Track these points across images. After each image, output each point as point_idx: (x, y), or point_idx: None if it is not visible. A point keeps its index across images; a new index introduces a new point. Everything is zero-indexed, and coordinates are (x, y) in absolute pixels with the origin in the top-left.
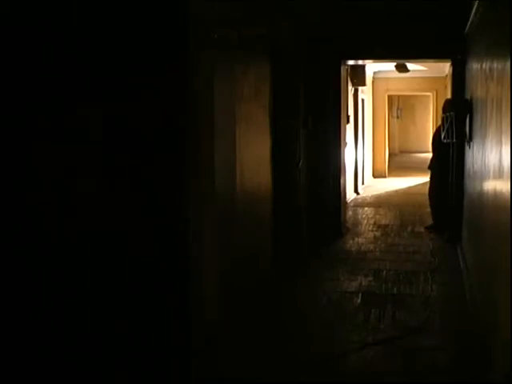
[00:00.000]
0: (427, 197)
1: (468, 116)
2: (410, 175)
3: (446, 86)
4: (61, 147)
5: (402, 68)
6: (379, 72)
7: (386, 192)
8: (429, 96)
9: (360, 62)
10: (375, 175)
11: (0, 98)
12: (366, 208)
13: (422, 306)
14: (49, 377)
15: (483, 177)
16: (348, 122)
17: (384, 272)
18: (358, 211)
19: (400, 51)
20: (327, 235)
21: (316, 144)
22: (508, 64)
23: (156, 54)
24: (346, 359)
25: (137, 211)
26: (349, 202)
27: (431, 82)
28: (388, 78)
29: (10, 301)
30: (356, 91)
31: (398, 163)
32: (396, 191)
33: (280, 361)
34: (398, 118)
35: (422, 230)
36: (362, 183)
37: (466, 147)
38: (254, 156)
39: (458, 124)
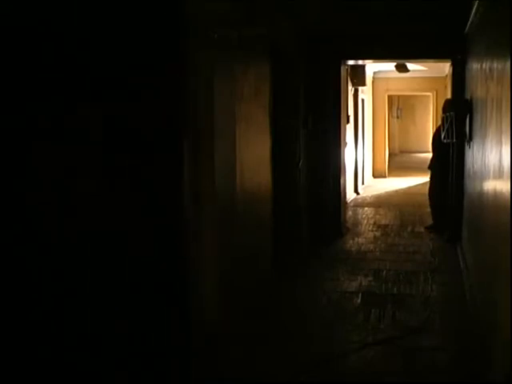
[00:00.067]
0: (427, 197)
1: (468, 116)
2: (410, 175)
3: (446, 86)
4: (61, 147)
5: (401, 68)
6: (379, 72)
7: (386, 192)
8: (429, 96)
9: (360, 62)
10: (375, 175)
11: (0, 98)
12: (365, 208)
13: (422, 306)
14: (49, 377)
15: (483, 177)
16: (348, 122)
17: (384, 272)
18: (357, 211)
19: (400, 51)
20: (327, 235)
21: (316, 144)
22: (508, 64)
23: (155, 55)
24: (345, 359)
25: (137, 211)
26: (349, 202)
27: (431, 82)
28: (388, 78)
29: (10, 301)
30: (356, 91)
31: (398, 163)
32: (396, 191)
33: (280, 361)
34: (397, 118)
35: (422, 230)
36: (362, 183)
37: (466, 147)
38: (253, 156)
39: (458, 124)
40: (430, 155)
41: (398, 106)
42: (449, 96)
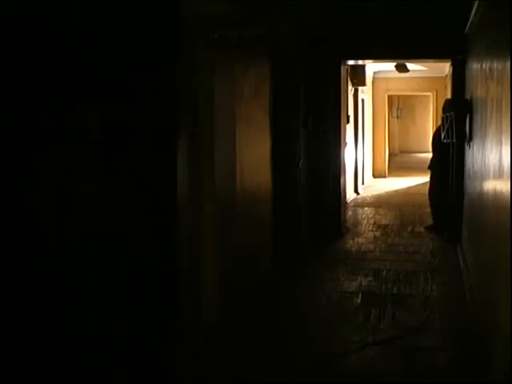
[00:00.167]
0: (427, 197)
1: (468, 116)
2: (410, 175)
3: (446, 86)
4: (61, 147)
5: (402, 68)
6: (379, 72)
7: (386, 192)
8: (429, 96)
9: (360, 62)
10: (375, 175)
11: (0, 97)
12: (365, 208)
13: (422, 305)
14: (49, 377)
15: (483, 177)
16: (348, 122)
17: (384, 272)
18: (357, 211)
19: (400, 51)
20: (327, 235)
21: (316, 144)
22: (508, 64)
23: (155, 55)
24: (345, 359)
25: (137, 211)
26: (349, 202)
27: (431, 82)
28: (388, 78)
29: (10, 301)
30: (356, 91)
31: (398, 163)
32: (396, 191)
33: (280, 361)
34: (397, 118)
35: (422, 230)
36: (362, 183)
37: (466, 147)
38: (254, 156)
39: (458, 124)
40: (429, 155)
41: (398, 106)
42: (449, 96)
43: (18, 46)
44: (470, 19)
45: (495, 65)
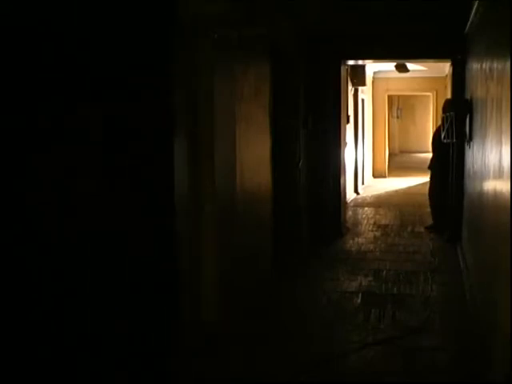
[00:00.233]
0: (427, 197)
1: (468, 116)
2: (410, 175)
3: (446, 86)
4: (61, 147)
5: (401, 68)
6: (379, 72)
7: (386, 192)
8: (429, 96)
9: (360, 62)
10: (375, 175)
11: (0, 97)
12: (365, 208)
13: (422, 305)
14: (49, 377)
15: (483, 177)
16: (348, 122)
17: (384, 272)
18: (357, 211)
19: (400, 51)
20: (327, 235)
21: (316, 144)
22: (508, 64)
23: (155, 55)
24: (345, 359)
25: (137, 211)
26: (349, 202)
27: (431, 82)
28: (388, 78)
29: (10, 301)
30: (356, 91)
31: (398, 163)
32: (396, 191)
33: (280, 361)
34: (397, 118)
35: (422, 230)
36: (362, 183)
37: (466, 147)
38: (254, 156)
39: (458, 124)
40: (429, 155)
41: (398, 106)
42: (449, 96)
43: (18, 46)
44: (470, 19)
45: (495, 65)
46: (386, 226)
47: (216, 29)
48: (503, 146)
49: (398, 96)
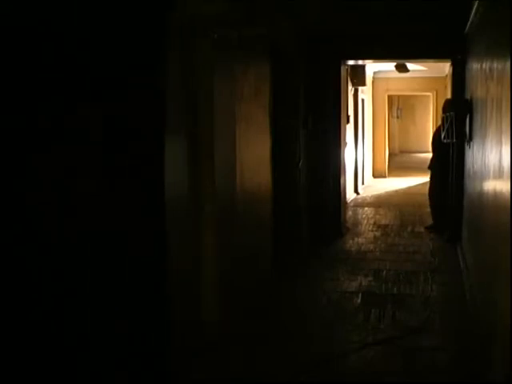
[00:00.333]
0: (427, 197)
1: (468, 116)
2: (410, 175)
3: (446, 86)
4: (61, 147)
5: (401, 68)
6: (379, 72)
7: (386, 192)
8: (429, 96)
9: (360, 62)
10: (375, 175)
11: (0, 97)
12: (365, 208)
13: (422, 305)
14: (49, 377)
15: (483, 177)
16: (348, 122)
17: (384, 272)
18: (357, 211)
19: (400, 51)
20: (327, 235)
21: (316, 144)
22: (508, 64)
23: (155, 55)
24: (345, 359)
25: (137, 211)
26: (349, 202)
27: (431, 81)
28: (388, 78)
29: (10, 301)
30: (356, 91)
31: (398, 163)
32: (396, 191)
33: (280, 361)
34: (397, 118)
35: (422, 230)
36: (362, 183)
37: (466, 147)
38: (254, 156)
39: (458, 124)
40: (429, 155)
41: (398, 106)
42: (449, 96)
43: (18, 46)
44: (470, 19)
45: (495, 65)
46: (386, 225)
47: (216, 29)
48: (503, 146)
49: (398, 96)
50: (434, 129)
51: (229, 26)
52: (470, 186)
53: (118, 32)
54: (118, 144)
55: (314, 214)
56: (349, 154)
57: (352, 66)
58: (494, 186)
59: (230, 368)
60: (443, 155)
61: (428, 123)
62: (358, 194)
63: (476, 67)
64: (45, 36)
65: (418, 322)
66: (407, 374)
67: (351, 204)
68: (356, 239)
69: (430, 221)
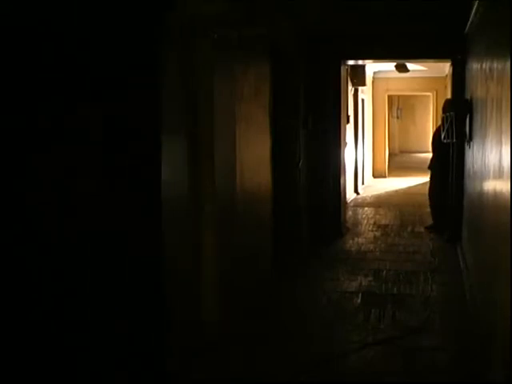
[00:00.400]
0: (427, 197)
1: (468, 116)
2: (410, 175)
3: (446, 86)
4: (61, 147)
5: (401, 68)
6: (379, 72)
7: (386, 192)
8: (429, 96)
9: (360, 62)
10: (375, 175)
11: (0, 97)
12: (365, 208)
13: (422, 305)
14: (49, 377)
15: (483, 177)
16: (348, 122)
17: (384, 272)
18: (357, 211)
19: (400, 51)
20: (327, 235)
21: (316, 144)
22: (508, 64)
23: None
24: (345, 359)
25: (136, 211)
26: (349, 202)
27: (431, 81)
28: (388, 78)
29: (10, 301)
30: (356, 91)
31: (398, 163)
32: (396, 191)
33: (280, 361)
34: (397, 118)
35: (422, 230)
36: (362, 183)
37: (466, 147)
38: (254, 156)
39: (458, 124)
40: (429, 155)
41: (398, 106)
42: (449, 96)
43: (18, 46)
44: (470, 19)
45: (495, 65)
46: (386, 225)
47: (216, 29)
48: (503, 146)
49: (398, 96)
50: (434, 129)
51: (229, 26)
52: (470, 185)
53: (118, 32)
54: (118, 144)
55: (314, 214)
56: (349, 154)
57: (352, 65)
58: (493, 186)
59: (230, 368)
60: (443, 155)
61: (428, 123)
62: (358, 194)
63: (476, 67)
64: (45, 36)
65: (418, 322)
66: (407, 373)
67: (351, 204)
68: (356, 239)
69: (430, 221)
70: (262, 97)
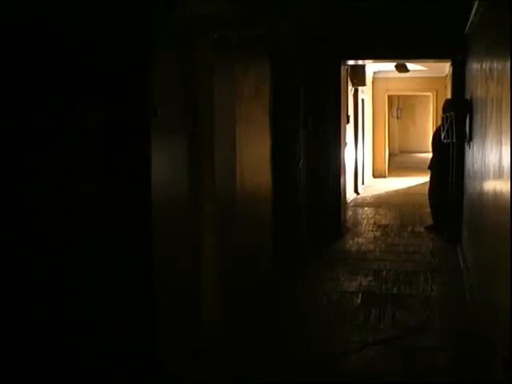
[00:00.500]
0: (427, 197)
1: (468, 116)
2: (410, 175)
3: (446, 86)
4: (61, 147)
5: (401, 68)
6: (379, 72)
7: (386, 192)
8: (429, 96)
9: (360, 62)
10: (375, 175)
11: (0, 97)
12: (365, 208)
13: (422, 306)
14: (49, 377)
15: (483, 177)
16: (348, 122)
17: (384, 272)
18: (357, 211)
19: (400, 51)
20: (327, 235)
21: (316, 144)
22: (508, 64)
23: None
24: (345, 359)
25: (137, 211)
26: (349, 202)
27: (431, 81)
28: (388, 78)
29: (10, 301)
30: (356, 91)
31: (398, 163)
32: (396, 191)
33: (280, 361)
34: (397, 118)
35: (422, 230)
36: (362, 183)
37: (466, 147)
38: (254, 156)
39: (458, 124)
40: (429, 155)
41: (398, 106)
42: (449, 96)
43: (18, 46)
44: (470, 19)
45: (495, 65)
46: (386, 225)
47: (216, 29)
48: (503, 146)
49: (398, 96)
50: (434, 129)
51: (229, 26)
52: (470, 186)
53: (117, 32)
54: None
55: (314, 214)
56: (349, 154)
57: (352, 65)
58: (493, 186)
59: (230, 368)
60: (443, 155)
61: (428, 123)
62: (358, 194)
63: (476, 67)
64: (45, 36)
65: (418, 322)
66: (407, 373)
67: (351, 204)
68: (356, 239)
69: (430, 221)
70: (262, 97)
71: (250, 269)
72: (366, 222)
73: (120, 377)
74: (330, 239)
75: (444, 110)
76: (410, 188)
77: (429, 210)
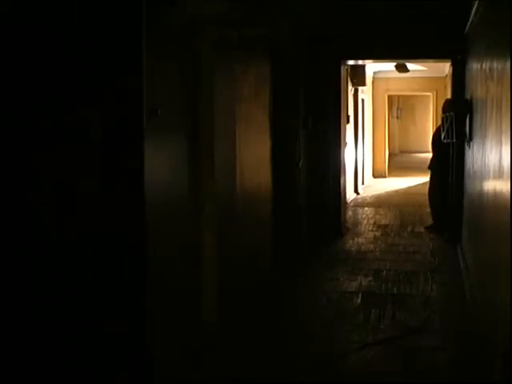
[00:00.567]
0: (427, 197)
1: (468, 116)
2: (410, 175)
3: (445, 86)
4: (61, 147)
5: (402, 68)
6: (379, 72)
7: (386, 192)
8: (429, 96)
9: (360, 62)
10: (375, 175)
11: (0, 97)
12: (365, 208)
13: (422, 306)
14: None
15: (483, 177)
16: (348, 122)
17: (384, 272)
18: (357, 211)
19: (400, 51)
20: (327, 235)
21: (316, 144)
22: (508, 64)
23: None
24: (345, 359)
25: (136, 211)
26: (349, 202)
27: (431, 81)
28: (388, 78)
29: (9, 301)
30: (356, 91)
31: (398, 163)
32: (396, 191)
33: (280, 361)
34: (397, 118)
35: (422, 230)
36: (362, 183)
37: (466, 147)
38: (253, 156)
39: (458, 124)
40: (429, 155)
41: (398, 106)
42: (449, 96)
43: (18, 46)
44: (470, 19)
45: (495, 65)
46: (386, 225)
47: (216, 29)
48: (503, 146)
49: (398, 96)
50: (434, 129)
51: (229, 26)
52: (470, 186)
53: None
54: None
55: (314, 214)
56: (349, 154)
57: (352, 65)
58: (493, 186)
59: (229, 368)
60: (443, 155)
61: (428, 123)
62: (358, 194)
63: (476, 67)
64: (45, 36)
65: (418, 322)
66: (407, 373)
67: (351, 204)
68: (356, 239)
69: (430, 221)
70: (262, 97)
71: (250, 269)
72: (365, 221)
73: (119, 377)
74: (329, 239)
75: (444, 110)
76: (409, 188)
77: (429, 210)
